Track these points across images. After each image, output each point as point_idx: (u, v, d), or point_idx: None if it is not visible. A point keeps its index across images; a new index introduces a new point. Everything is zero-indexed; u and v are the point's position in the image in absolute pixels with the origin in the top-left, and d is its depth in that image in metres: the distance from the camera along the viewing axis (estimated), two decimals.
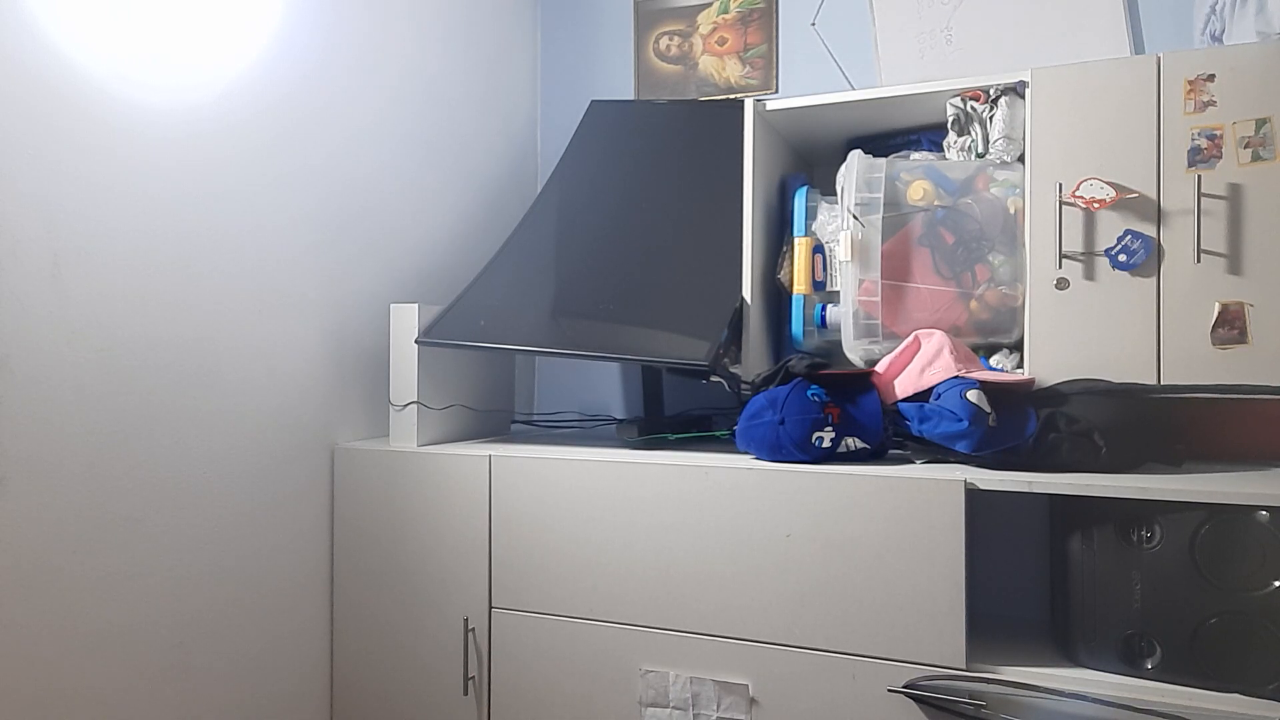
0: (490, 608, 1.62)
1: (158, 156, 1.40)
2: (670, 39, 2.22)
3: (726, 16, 2.17)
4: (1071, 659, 1.37)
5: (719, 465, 1.47)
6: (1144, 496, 1.27)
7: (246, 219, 1.56)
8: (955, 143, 1.63)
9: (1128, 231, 1.42)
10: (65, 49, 1.27)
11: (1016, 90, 1.56)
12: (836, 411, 1.47)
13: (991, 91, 1.58)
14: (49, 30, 1.25)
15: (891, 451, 1.53)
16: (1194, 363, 1.38)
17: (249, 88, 1.55)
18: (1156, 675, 1.28)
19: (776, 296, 1.78)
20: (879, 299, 1.57)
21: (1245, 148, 1.37)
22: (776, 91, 2.11)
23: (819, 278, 1.70)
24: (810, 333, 1.71)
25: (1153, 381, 1.40)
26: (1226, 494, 1.24)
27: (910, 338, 1.54)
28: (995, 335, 1.56)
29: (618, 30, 2.28)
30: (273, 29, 1.61)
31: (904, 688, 1.34)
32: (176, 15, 1.43)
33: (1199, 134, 1.39)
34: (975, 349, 1.58)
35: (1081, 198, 1.44)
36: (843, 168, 1.65)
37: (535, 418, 2.20)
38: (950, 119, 1.63)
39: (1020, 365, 1.53)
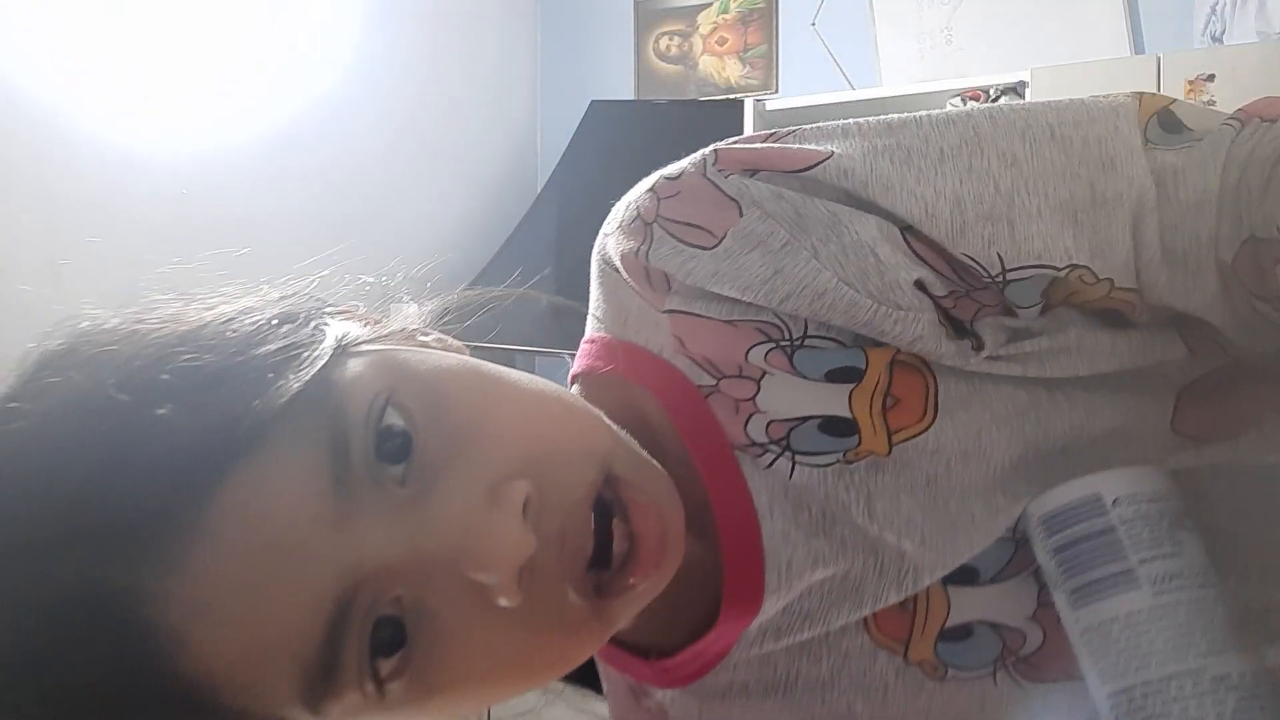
0: None
1: (158, 156, 1.40)
2: (670, 39, 2.22)
3: (726, 16, 2.17)
4: None
5: None
6: None
7: (245, 218, 1.56)
8: None
9: None
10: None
11: (1016, 90, 1.56)
12: None
13: (991, 91, 1.58)
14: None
15: None
16: None
17: (247, 87, 1.56)
18: None
19: None
20: None
21: None
22: (776, 91, 2.11)
23: None
24: None
25: None
26: None
27: None
28: None
29: (618, 30, 2.28)
30: (272, 28, 1.61)
31: None
32: None
33: None
34: None
35: None
36: None
37: None
38: None
39: None
